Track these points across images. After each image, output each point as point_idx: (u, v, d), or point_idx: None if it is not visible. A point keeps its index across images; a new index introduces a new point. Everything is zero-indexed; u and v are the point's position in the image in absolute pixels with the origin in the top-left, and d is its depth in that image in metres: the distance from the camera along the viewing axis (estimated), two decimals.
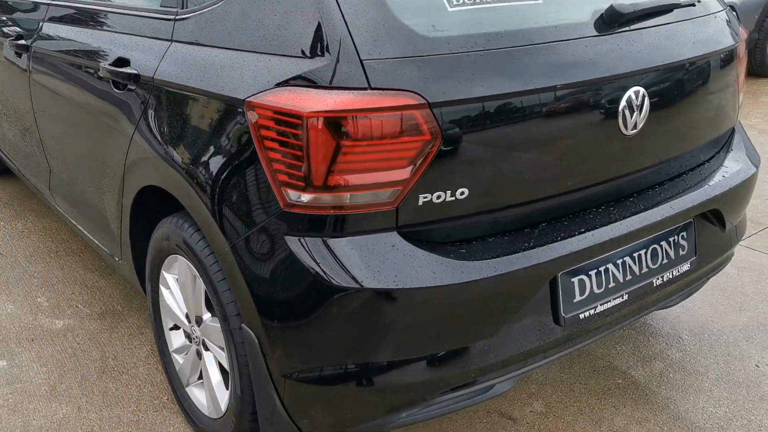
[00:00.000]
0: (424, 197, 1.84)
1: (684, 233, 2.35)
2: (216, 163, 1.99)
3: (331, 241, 1.81)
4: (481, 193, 1.91)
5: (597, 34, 2.06)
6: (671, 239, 2.32)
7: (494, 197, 1.94)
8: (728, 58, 2.41)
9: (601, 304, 2.14)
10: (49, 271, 3.63)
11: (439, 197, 1.85)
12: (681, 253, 2.35)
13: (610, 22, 2.08)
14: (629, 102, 2.08)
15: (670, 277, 2.32)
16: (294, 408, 1.95)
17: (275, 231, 1.85)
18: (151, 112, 2.26)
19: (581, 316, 2.10)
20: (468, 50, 1.85)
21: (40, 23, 3.21)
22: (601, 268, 2.14)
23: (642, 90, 2.11)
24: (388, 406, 1.96)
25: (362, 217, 1.82)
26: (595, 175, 2.11)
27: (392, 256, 1.82)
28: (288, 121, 1.77)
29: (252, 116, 1.85)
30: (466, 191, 1.88)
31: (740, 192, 2.49)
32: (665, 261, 2.30)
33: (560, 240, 2.02)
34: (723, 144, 2.60)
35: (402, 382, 1.91)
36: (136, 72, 2.31)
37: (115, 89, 2.46)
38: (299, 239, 1.82)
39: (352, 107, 1.73)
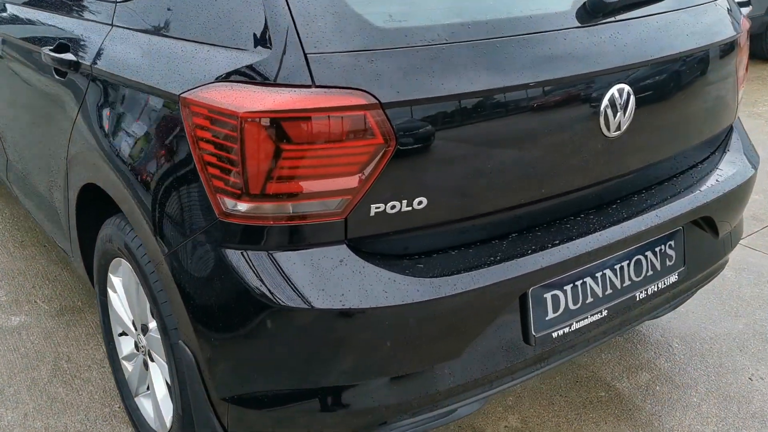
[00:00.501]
0: (377, 207, 1.65)
1: (672, 242, 2.16)
2: (152, 163, 1.80)
3: (272, 255, 1.63)
4: (441, 203, 1.72)
5: (578, 25, 1.86)
6: (657, 249, 2.13)
7: (457, 207, 1.75)
8: (727, 50, 2.20)
9: (577, 321, 1.96)
10: (12, 263, 3.46)
11: (393, 207, 1.66)
12: (668, 263, 2.16)
13: (594, 12, 1.88)
14: (612, 101, 1.88)
15: (656, 289, 2.13)
16: None
17: (211, 242, 1.67)
18: (89, 104, 2.07)
19: (554, 334, 1.92)
20: (429, 43, 1.65)
21: None
22: (578, 283, 1.96)
23: (627, 88, 1.91)
24: (342, 430, 1.79)
25: (307, 229, 1.63)
26: (572, 182, 1.92)
27: (339, 273, 1.64)
28: (223, 121, 1.58)
29: (187, 114, 1.66)
30: (425, 201, 1.69)
31: (735, 197, 2.29)
32: (650, 273, 2.11)
33: (532, 253, 1.84)
34: (719, 144, 2.40)
35: (356, 407, 1.74)
36: (74, 59, 2.12)
37: (57, 76, 2.27)
38: (236, 252, 1.64)
39: (293, 107, 1.54)
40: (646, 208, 2.07)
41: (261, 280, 1.62)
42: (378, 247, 1.72)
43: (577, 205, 1.99)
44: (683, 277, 2.21)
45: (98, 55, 2.03)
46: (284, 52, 1.57)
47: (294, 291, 1.61)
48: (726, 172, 2.31)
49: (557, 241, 1.89)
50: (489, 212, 1.82)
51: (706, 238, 2.29)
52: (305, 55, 1.57)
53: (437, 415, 1.88)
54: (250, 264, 1.63)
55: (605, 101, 1.87)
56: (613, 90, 1.88)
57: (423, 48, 1.64)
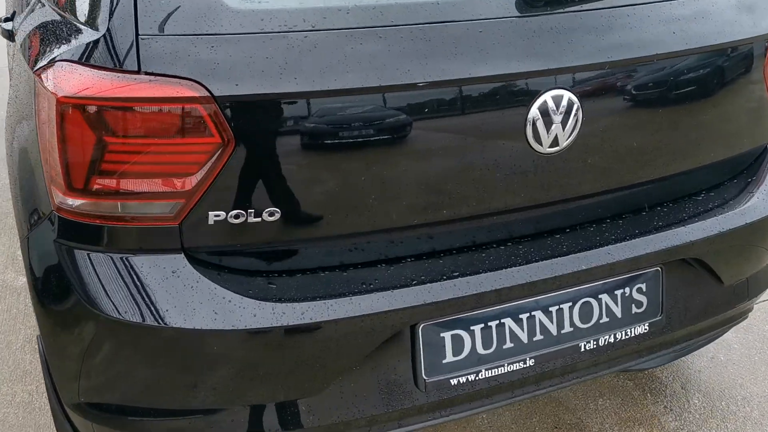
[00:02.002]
0: (216, 216, 1.44)
1: (641, 285, 1.77)
2: (15, 143, 1.70)
3: (100, 257, 1.47)
4: (301, 217, 1.48)
5: (502, 15, 1.53)
6: (618, 292, 1.75)
7: (324, 223, 1.50)
8: (744, 54, 1.76)
9: (488, 369, 1.65)
10: None
11: (237, 217, 1.45)
12: (635, 310, 1.78)
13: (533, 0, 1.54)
14: (544, 110, 1.54)
15: (612, 340, 1.76)
16: None
17: (48, 234, 1.53)
18: (14, 73, 2.01)
19: (454, 381, 1.62)
20: (288, 29, 1.41)
21: None
22: (492, 324, 1.64)
23: (568, 95, 1.55)
24: None
25: (138, 233, 1.46)
26: (488, 204, 1.60)
27: (169, 285, 1.46)
28: (49, 104, 1.43)
29: (36, 91, 1.53)
30: (278, 213, 1.46)
31: (742, 238, 1.85)
32: (604, 320, 1.75)
33: (422, 283, 1.56)
34: (741, 170, 1.95)
35: None
36: (10, 29, 2.06)
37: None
38: (68, 249, 1.49)
39: (113, 95, 1.36)
40: (599, 242, 1.70)
41: (84, 282, 1.47)
42: (230, 260, 1.51)
43: (501, 232, 1.67)
44: (660, 328, 1.82)
45: (18, 25, 1.96)
46: (117, 32, 1.39)
47: (112, 299, 1.45)
48: (739, 206, 1.87)
49: (462, 272, 1.59)
50: (370, 232, 1.55)
51: (703, 283, 1.87)
52: (137, 36, 1.38)
53: None
54: (77, 263, 1.48)
55: (533, 110, 1.53)
56: (546, 97, 1.53)
57: (278, 35, 1.40)
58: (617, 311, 1.76)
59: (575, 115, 1.57)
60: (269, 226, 1.47)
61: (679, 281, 1.82)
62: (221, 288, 1.46)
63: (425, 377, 1.60)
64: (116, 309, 1.44)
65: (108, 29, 1.40)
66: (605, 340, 1.75)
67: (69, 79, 1.40)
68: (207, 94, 1.36)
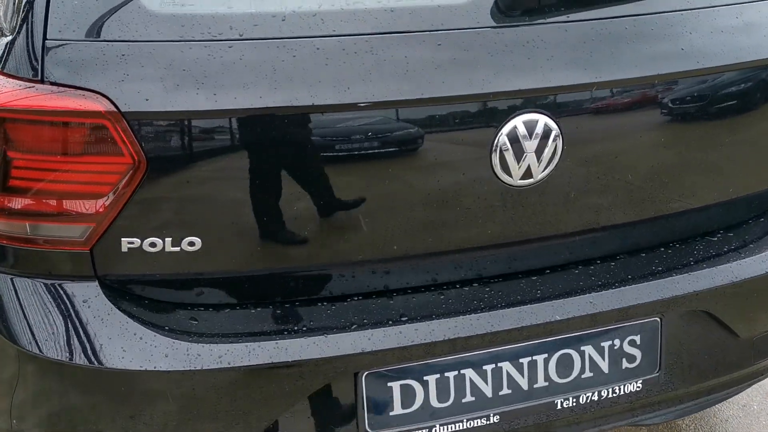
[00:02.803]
0: (130, 243, 1.30)
1: (636, 337, 1.55)
2: None
3: (12, 280, 1.35)
4: (224, 247, 1.33)
5: (470, 26, 1.32)
6: (605, 344, 1.53)
7: (251, 254, 1.34)
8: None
9: (443, 425, 1.46)
10: None
11: (153, 245, 1.30)
12: (626, 365, 1.55)
13: (508, 8, 1.33)
14: (513, 136, 1.33)
15: (596, 399, 1.54)
16: None
17: None
18: None
19: None
20: (212, 38, 1.24)
21: None
22: (450, 374, 1.45)
23: (544, 119, 1.34)
24: None
25: (50, 257, 1.33)
26: (446, 240, 1.41)
27: (79, 315, 1.32)
28: None
29: None
30: (198, 242, 1.31)
31: (764, 286, 1.59)
32: (587, 375, 1.53)
33: (368, 327, 1.38)
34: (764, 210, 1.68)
35: None
36: None
37: None
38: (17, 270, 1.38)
39: (8, 106, 1.23)
40: (581, 288, 1.48)
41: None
42: (151, 291, 1.37)
43: (466, 271, 1.47)
44: (657, 386, 1.58)
45: None
46: (25, 36, 1.26)
47: (13, 326, 1.33)
48: (760, 250, 1.61)
49: (411, 317, 1.40)
50: (306, 266, 1.38)
51: (714, 337, 1.63)
52: (44, 41, 1.24)
53: None
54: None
55: (501, 137, 1.32)
56: (516, 122, 1.32)
57: (198, 44, 1.24)
58: (603, 366, 1.54)
59: (553, 142, 1.35)
60: (189, 257, 1.31)
61: (682, 334, 1.59)
62: (133, 322, 1.32)
63: (369, 429, 1.43)
64: (16, 337, 1.32)
65: (17, 33, 1.27)
66: (587, 398, 1.53)
67: None
68: (113, 108, 1.21)
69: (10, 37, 1.29)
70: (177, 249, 1.31)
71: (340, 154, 1.30)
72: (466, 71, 1.30)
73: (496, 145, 1.33)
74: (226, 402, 1.33)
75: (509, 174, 1.35)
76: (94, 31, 1.23)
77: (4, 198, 1.28)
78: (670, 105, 1.43)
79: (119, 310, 1.33)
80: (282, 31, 1.26)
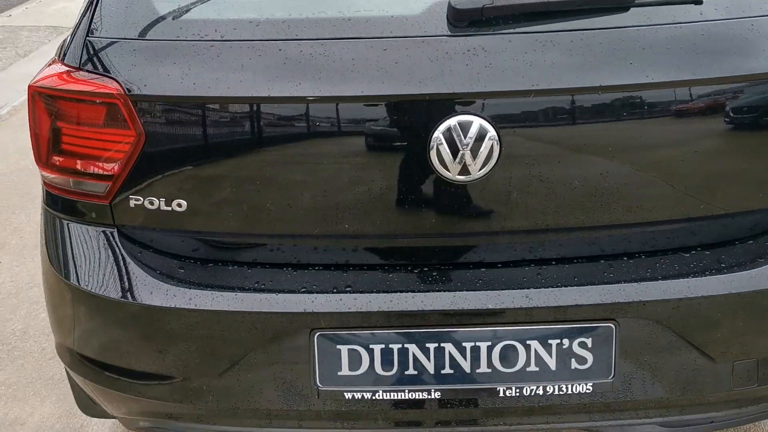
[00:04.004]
0: (136, 200, 1.63)
1: (587, 340, 1.60)
2: None
3: (62, 221, 1.74)
4: (204, 211, 1.61)
5: (417, 34, 1.49)
6: (553, 342, 1.60)
7: (229, 220, 1.61)
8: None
9: (386, 391, 1.63)
10: None
11: (152, 203, 1.62)
12: (576, 366, 1.61)
13: (455, 19, 1.49)
14: (448, 135, 1.48)
15: (542, 392, 1.62)
16: None
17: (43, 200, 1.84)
18: None
19: (348, 395, 1.63)
20: (199, 38, 1.54)
21: None
22: (395, 346, 1.61)
23: (479, 121, 1.47)
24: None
25: (86, 206, 1.70)
26: (394, 225, 1.58)
27: (101, 254, 1.68)
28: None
29: None
30: (185, 204, 1.61)
31: (732, 308, 1.57)
32: (532, 368, 1.61)
33: (325, 292, 1.59)
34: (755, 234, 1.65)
35: (114, 390, 1.76)
36: None
37: None
38: (48, 211, 1.78)
39: (55, 86, 1.62)
40: (522, 283, 1.58)
41: (48, 241, 1.76)
42: (158, 241, 1.69)
43: (417, 255, 1.63)
44: (610, 392, 1.62)
45: None
46: (78, 32, 1.64)
47: (59, 256, 1.71)
48: (732, 271, 1.59)
49: (367, 289, 1.59)
50: (274, 235, 1.62)
51: (682, 355, 1.63)
52: (86, 37, 1.62)
53: None
54: (49, 225, 1.77)
55: (437, 135, 1.48)
56: (451, 122, 1.47)
57: (188, 43, 1.54)
58: (550, 362, 1.61)
59: (488, 144, 1.48)
60: (179, 216, 1.61)
61: (643, 345, 1.61)
62: (134, 264, 1.65)
63: (320, 384, 1.63)
64: (57, 263, 1.71)
65: (74, 30, 1.65)
66: (532, 391, 1.61)
67: (44, 71, 1.67)
68: (121, 91, 1.54)
69: (70, 33, 1.67)
70: (169, 208, 1.61)
71: (295, 139, 1.53)
72: (407, 74, 1.47)
73: (433, 143, 1.48)
74: (195, 337, 1.61)
75: (447, 169, 1.50)
76: (121, 30, 1.58)
77: (56, 158, 1.67)
78: (608, 116, 1.49)
79: (127, 253, 1.66)
80: (255, 35, 1.52)
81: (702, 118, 1.52)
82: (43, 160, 1.69)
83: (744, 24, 1.51)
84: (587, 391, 1.62)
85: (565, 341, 1.60)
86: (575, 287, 1.56)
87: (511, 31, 1.48)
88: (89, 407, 1.99)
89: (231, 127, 1.54)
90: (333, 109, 1.50)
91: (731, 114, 1.52)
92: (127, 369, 1.71)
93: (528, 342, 1.60)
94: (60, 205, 1.73)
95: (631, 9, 1.50)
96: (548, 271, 1.60)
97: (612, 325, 1.59)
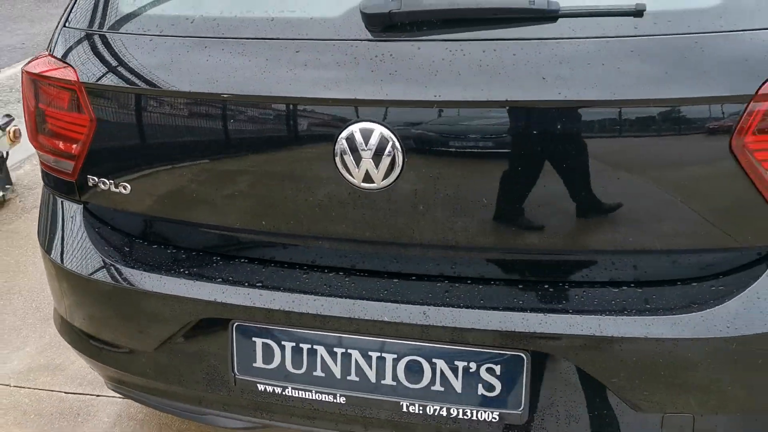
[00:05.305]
0: (93, 180, 1.76)
1: (495, 367, 1.53)
2: None
3: (49, 194, 1.92)
4: (147, 196, 1.70)
5: (331, 37, 1.49)
6: (459, 364, 1.54)
7: (165, 207, 1.70)
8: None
9: (295, 389, 1.65)
10: None
11: (104, 184, 1.75)
12: (483, 392, 1.54)
13: (369, 24, 1.47)
14: (351, 142, 1.46)
15: (445, 414, 1.57)
16: None
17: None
18: None
19: (261, 387, 1.67)
20: (142, 32, 1.64)
21: None
22: (304, 346, 1.63)
23: (381, 129, 1.44)
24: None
25: (61, 182, 1.86)
26: (303, 226, 1.58)
27: (68, 225, 1.84)
28: None
29: None
30: (129, 187, 1.71)
31: (654, 357, 1.43)
32: (437, 388, 1.56)
33: (242, 285, 1.64)
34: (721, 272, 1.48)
35: (88, 354, 1.92)
36: None
37: None
38: (44, 187, 1.97)
39: (32, 70, 1.78)
40: (425, 299, 1.53)
41: (40, 212, 1.95)
42: (116, 219, 1.81)
43: (326, 258, 1.62)
44: (518, 424, 1.54)
45: None
46: (59, 24, 1.80)
47: (40, 225, 1.90)
48: (664, 314, 1.44)
49: (267, 284, 1.62)
50: (203, 225, 1.69)
51: (602, 401, 1.51)
52: (62, 27, 1.76)
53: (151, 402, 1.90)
54: (42, 196, 1.96)
55: (341, 141, 1.47)
56: (353, 129, 1.45)
57: (131, 36, 1.64)
58: (456, 384, 1.55)
59: (391, 153, 1.44)
60: (125, 197, 1.72)
61: (559, 381, 1.50)
62: (87, 238, 1.79)
63: (237, 373, 1.68)
64: (40, 234, 1.89)
65: (60, 22, 1.81)
66: (435, 410, 1.57)
67: (38, 58, 1.85)
68: (76, 79, 1.67)
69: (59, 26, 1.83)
70: (117, 190, 1.73)
71: (214, 133, 1.57)
72: (312, 77, 1.46)
73: (338, 148, 1.47)
74: (126, 311, 1.72)
75: (352, 176, 1.48)
76: (90, 21, 1.71)
77: (41, 137, 1.84)
78: (517, 133, 1.39)
79: (86, 228, 1.80)
80: (187, 31, 1.58)
81: (624, 142, 1.38)
82: (31, 136, 1.86)
83: (684, 41, 1.34)
84: (493, 420, 1.54)
85: (473, 365, 1.53)
86: (478, 310, 1.49)
87: (422, 38, 1.42)
88: None
89: (163, 119, 1.61)
90: (246, 108, 1.53)
91: (658, 141, 1.37)
92: (86, 333, 1.86)
93: (434, 360, 1.55)
94: (46, 180, 1.90)
95: (560, 20, 1.39)
96: (457, 290, 1.54)
97: (523, 355, 1.50)
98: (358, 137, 1.44)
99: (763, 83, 1.32)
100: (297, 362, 1.63)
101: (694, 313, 1.41)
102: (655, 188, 1.40)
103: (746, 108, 1.32)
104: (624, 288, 1.49)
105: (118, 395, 2.12)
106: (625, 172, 1.40)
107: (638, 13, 1.36)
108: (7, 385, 2.59)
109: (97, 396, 2.51)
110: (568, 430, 1.53)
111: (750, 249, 1.44)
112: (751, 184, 1.37)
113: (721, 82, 1.33)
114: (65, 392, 2.55)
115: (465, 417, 1.55)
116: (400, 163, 1.44)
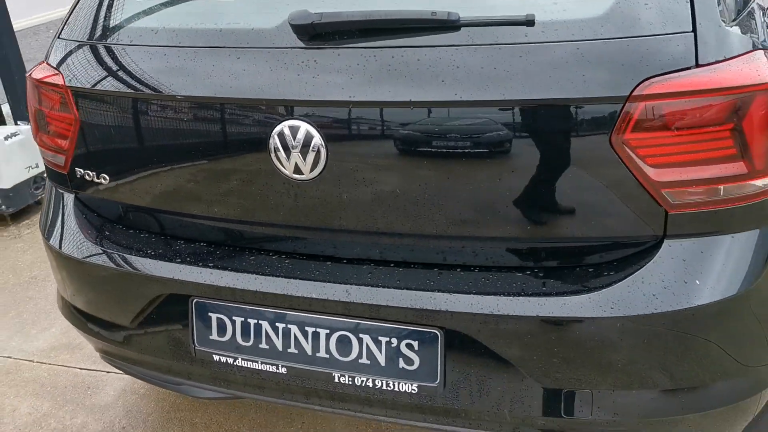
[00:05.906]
0: (80, 172, 2.01)
1: (414, 342, 1.68)
2: None
3: (51, 186, 2.18)
4: (121, 186, 1.93)
5: (265, 45, 1.68)
6: (383, 339, 1.71)
7: (139, 196, 1.92)
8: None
9: (244, 360, 1.85)
10: None
11: (88, 175, 1.99)
12: (403, 365, 1.70)
13: (298, 33, 1.65)
14: (282, 138, 1.65)
15: (371, 385, 1.73)
16: None
17: None
18: None
19: (216, 357, 1.87)
20: (115, 42, 1.87)
21: None
22: (251, 321, 1.82)
23: (306, 127, 1.63)
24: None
25: (56, 175, 2.11)
26: (248, 214, 1.78)
27: (63, 213, 2.09)
28: None
29: None
30: (107, 178, 1.95)
31: (547, 335, 1.57)
32: (364, 361, 1.73)
33: (202, 265, 1.85)
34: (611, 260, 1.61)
35: (80, 328, 2.16)
36: None
37: None
38: (48, 180, 2.23)
39: (32, 75, 2.04)
40: (346, 278, 1.70)
41: (46, 202, 2.21)
42: (101, 207, 2.05)
43: (268, 242, 1.82)
44: (435, 396, 1.69)
45: None
46: (56, 34, 2.05)
47: (42, 213, 2.16)
48: (552, 295, 1.58)
49: (234, 267, 1.81)
50: (170, 212, 1.91)
51: (505, 372, 1.65)
52: (57, 37, 2.02)
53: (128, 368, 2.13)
54: (46, 190, 2.22)
55: (274, 137, 1.66)
56: (282, 126, 1.64)
57: (107, 45, 1.87)
58: (380, 358, 1.71)
59: (316, 148, 1.62)
60: (105, 188, 1.96)
61: (469, 356, 1.65)
62: (76, 224, 2.03)
63: (196, 344, 1.89)
64: (41, 221, 2.15)
65: (57, 32, 2.06)
66: (362, 381, 1.73)
67: (40, 65, 2.11)
68: (62, 82, 1.92)
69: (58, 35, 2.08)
70: (99, 181, 1.96)
71: (172, 134, 1.78)
72: (248, 80, 1.66)
73: (272, 144, 1.66)
74: (104, 288, 1.95)
75: (284, 168, 1.67)
76: (74, 33, 1.95)
77: (42, 135, 2.09)
78: (421, 130, 1.55)
79: (75, 215, 2.05)
80: (152, 41, 1.80)
81: (518, 140, 1.52)
82: (35, 134, 2.12)
83: (568, 48, 1.48)
84: (413, 391, 1.69)
85: (394, 340, 1.69)
86: (393, 289, 1.65)
87: (340, 46, 1.60)
88: None
89: (129, 119, 1.83)
90: (197, 108, 1.74)
91: (549, 138, 1.51)
92: (76, 308, 2.10)
93: (361, 336, 1.72)
94: (48, 173, 2.16)
95: (463, 29, 1.54)
96: (379, 272, 1.70)
97: (437, 332, 1.65)
98: (288, 133, 1.63)
99: (637, 85, 1.44)
100: (245, 335, 1.82)
101: (582, 295, 1.54)
102: (551, 182, 1.53)
103: (622, 108, 1.45)
104: (527, 273, 1.63)
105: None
106: (522, 167, 1.54)
107: (529, 22, 1.50)
108: (30, 361, 2.87)
109: (107, 372, 2.77)
110: (481, 403, 1.67)
111: (639, 238, 1.56)
112: (633, 178, 1.49)
113: (601, 84, 1.46)
114: (80, 368, 2.81)
115: (388, 388, 1.71)
116: (324, 157, 1.62)
